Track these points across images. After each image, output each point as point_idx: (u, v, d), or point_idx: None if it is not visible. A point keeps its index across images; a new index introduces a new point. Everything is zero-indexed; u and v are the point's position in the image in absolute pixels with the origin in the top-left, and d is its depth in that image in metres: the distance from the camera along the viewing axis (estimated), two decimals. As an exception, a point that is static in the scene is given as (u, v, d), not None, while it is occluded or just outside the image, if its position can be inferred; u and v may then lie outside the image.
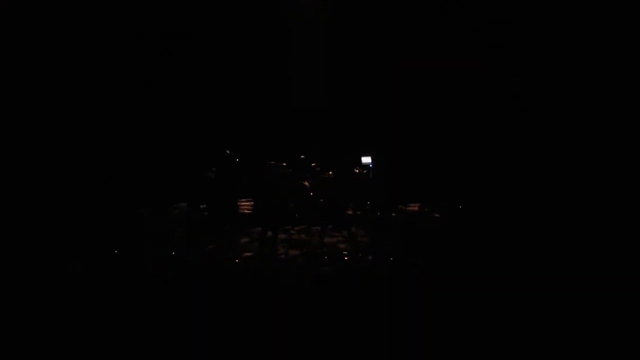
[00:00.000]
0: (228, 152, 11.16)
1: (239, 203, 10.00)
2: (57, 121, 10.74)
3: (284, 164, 11.71)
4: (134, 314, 6.33)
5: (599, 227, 8.50)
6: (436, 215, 10.15)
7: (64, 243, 9.00)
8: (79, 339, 5.73)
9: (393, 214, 10.38)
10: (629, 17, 8.94)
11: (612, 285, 6.86)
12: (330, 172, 11.22)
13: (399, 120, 11.80)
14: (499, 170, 10.34)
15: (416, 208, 10.67)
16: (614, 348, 5.51)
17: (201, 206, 10.88)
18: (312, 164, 11.75)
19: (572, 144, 9.76)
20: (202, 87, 12.34)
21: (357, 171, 10.59)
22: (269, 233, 9.32)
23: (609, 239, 8.12)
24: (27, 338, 5.74)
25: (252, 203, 9.52)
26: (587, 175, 9.33)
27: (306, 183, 11.70)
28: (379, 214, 10.07)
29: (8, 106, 10.28)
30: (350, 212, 10.06)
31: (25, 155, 10.25)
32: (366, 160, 11.22)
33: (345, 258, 8.49)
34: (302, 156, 11.53)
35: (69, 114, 10.92)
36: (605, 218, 8.65)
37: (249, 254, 8.99)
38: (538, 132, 10.23)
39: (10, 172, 9.90)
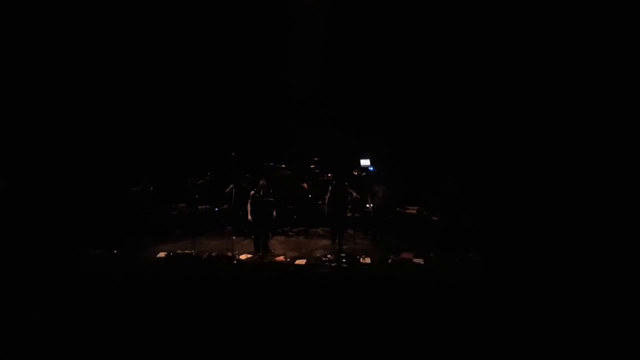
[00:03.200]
0: (233, 154, 11.21)
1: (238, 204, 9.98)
2: (60, 122, 10.78)
3: (283, 165, 11.78)
4: (133, 314, 6.33)
5: (600, 228, 8.48)
6: (434, 218, 10.12)
7: (65, 242, 9.07)
8: (80, 338, 5.73)
9: (391, 217, 10.37)
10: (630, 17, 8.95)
11: (612, 287, 6.84)
12: (330, 174, 11.26)
13: (398, 123, 11.82)
14: (498, 172, 10.34)
15: (414, 211, 10.66)
16: (615, 348, 5.48)
17: (199, 207, 10.98)
18: (312, 166, 11.80)
19: (572, 146, 9.75)
20: (201, 89, 12.39)
21: (356, 173, 10.60)
22: (263, 235, 9.31)
23: (610, 240, 8.10)
24: (28, 338, 5.73)
25: (252, 204, 9.49)
26: (587, 177, 9.31)
27: (305, 185, 11.73)
28: (376, 217, 10.05)
29: (8, 107, 10.31)
30: (349, 214, 10.05)
31: (28, 156, 10.29)
32: (365, 162, 11.22)
33: (344, 260, 8.45)
34: (316, 158, 11.61)
35: (73, 115, 10.96)
36: (606, 219, 8.63)
37: (248, 255, 8.97)
38: (538, 133, 10.23)
39: (12, 173, 9.93)
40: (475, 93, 11.22)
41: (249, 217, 9.23)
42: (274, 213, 9.35)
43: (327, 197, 9.59)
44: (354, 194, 9.61)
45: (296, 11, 12.09)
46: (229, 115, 12.37)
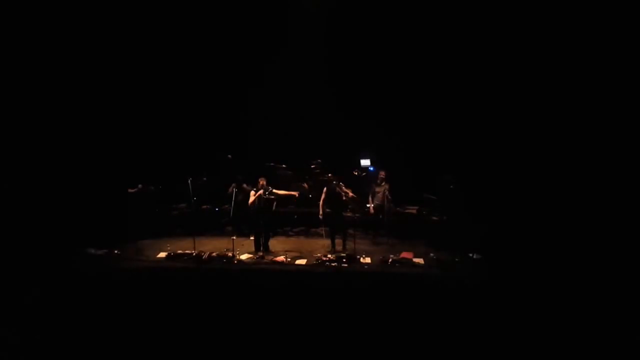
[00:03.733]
0: (230, 156, 11.20)
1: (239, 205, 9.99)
2: (61, 124, 10.76)
3: (284, 165, 11.77)
4: (133, 314, 6.33)
5: (600, 227, 8.49)
6: (434, 218, 10.11)
7: (66, 243, 9.07)
8: (80, 338, 5.73)
9: (391, 217, 10.36)
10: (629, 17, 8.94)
11: (612, 287, 6.85)
12: (330, 175, 11.24)
13: (397, 122, 11.82)
14: (497, 172, 10.33)
15: (414, 211, 10.65)
16: (615, 348, 5.49)
17: (202, 207, 10.98)
18: (312, 166, 11.78)
19: (571, 146, 9.75)
20: (200, 90, 12.38)
21: (356, 173, 10.58)
22: (263, 235, 9.33)
23: (609, 240, 8.11)
24: (28, 338, 5.75)
25: (253, 204, 9.51)
26: (587, 176, 9.31)
27: (305, 185, 11.73)
28: (380, 216, 10.04)
29: (9, 108, 10.30)
30: (349, 214, 10.05)
31: (29, 158, 10.28)
32: (365, 162, 11.19)
33: (344, 260, 8.45)
34: (319, 160, 11.61)
35: (74, 117, 10.94)
36: (606, 217, 8.63)
37: (248, 255, 8.97)
38: (536, 134, 10.23)
39: (13, 174, 9.93)
40: (475, 93, 11.23)
41: (250, 216, 9.27)
42: (297, 195, 9.72)
43: (322, 197, 9.54)
44: (350, 194, 9.57)
45: (296, 10, 12.08)
46: (227, 116, 12.36)
